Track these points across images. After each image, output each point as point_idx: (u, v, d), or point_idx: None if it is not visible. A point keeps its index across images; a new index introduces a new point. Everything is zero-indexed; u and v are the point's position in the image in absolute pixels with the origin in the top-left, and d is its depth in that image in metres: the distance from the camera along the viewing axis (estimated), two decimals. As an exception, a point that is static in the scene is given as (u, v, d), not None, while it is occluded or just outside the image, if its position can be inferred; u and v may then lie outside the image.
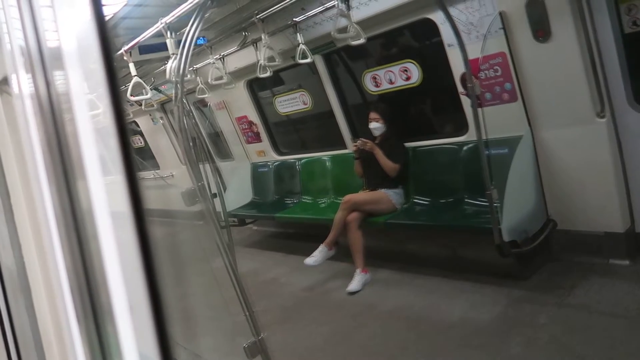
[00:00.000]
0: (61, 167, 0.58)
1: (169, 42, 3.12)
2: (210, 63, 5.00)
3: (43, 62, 0.56)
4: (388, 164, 4.14)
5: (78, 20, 0.49)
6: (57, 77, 0.55)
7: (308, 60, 4.12)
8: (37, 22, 0.56)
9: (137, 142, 8.71)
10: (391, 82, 4.36)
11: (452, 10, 3.35)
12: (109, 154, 0.49)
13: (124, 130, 0.46)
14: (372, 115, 4.26)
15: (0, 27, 0.68)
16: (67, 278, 0.66)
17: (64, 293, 0.68)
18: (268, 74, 4.44)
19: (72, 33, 0.51)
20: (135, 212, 0.47)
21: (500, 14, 3.25)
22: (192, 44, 2.38)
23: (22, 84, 0.65)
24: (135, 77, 3.87)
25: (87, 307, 0.61)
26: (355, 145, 4.27)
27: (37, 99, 0.59)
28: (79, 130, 0.53)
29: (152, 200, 8.04)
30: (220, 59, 5.05)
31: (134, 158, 0.48)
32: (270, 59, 4.28)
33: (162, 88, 6.32)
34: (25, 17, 0.57)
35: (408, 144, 4.34)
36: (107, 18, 0.45)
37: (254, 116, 5.92)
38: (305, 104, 5.40)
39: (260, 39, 4.27)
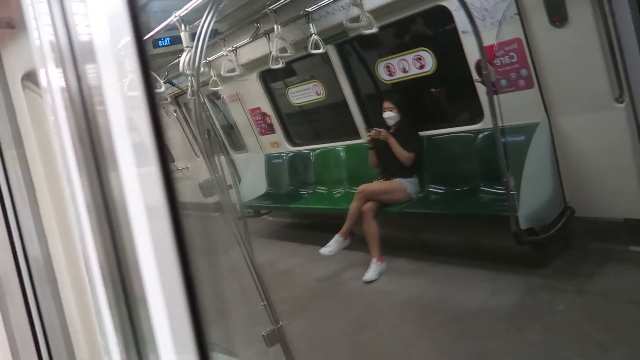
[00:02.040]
0: (93, 159, 0.60)
1: (183, 35, 3.13)
2: (223, 55, 5.01)
3: (74, 56, 0.57)
4: (402, 153, 4.13)
5: (110, 13, 0.50)
6: (89, 70, 0.56)
7: (321, 50, 4.10)
8: (67, 17, 0.57)
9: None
10: (405, 71, 4.33)
11: (466, -3, 3.31)
12: (142, 145, 0.50)
13: (158, 122, 0.47)
14: (386, 104, 4.24)
15: (29, 23, 0.69)
16: (99, 268, 0.68)
17: (96, 284, 0.70)
18: (280, 65, 4.44)
19: (103, 26, 0.52)
20: (170, 203, 0.48)
21: (516, -1, 3.21)
22: (207, 37, 2.39)
23: (52, 78, 0.66)
24: (149, 70, 3.89)
25: (120, 298, 0.63)
26: (370, 135, 4.27)
27: (67, 93, 0.60)
28: (111, 123, 0.54)
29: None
30: (232, 51, 5.06)
31: (167, 149, 0.49)
32: (283, 50, 4.28)
33: (175, 81, 6.36)
34: (55, 12, 0.58)
35: (422, 133, 4.32)
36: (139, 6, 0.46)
37: (267, 108, 5.93)
38: (318, 94, 5.40)
39: (272, 30, 4.26)
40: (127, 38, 0.46)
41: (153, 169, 0.49)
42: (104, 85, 0.54)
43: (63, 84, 0.61)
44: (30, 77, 1.22)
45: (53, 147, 1.15)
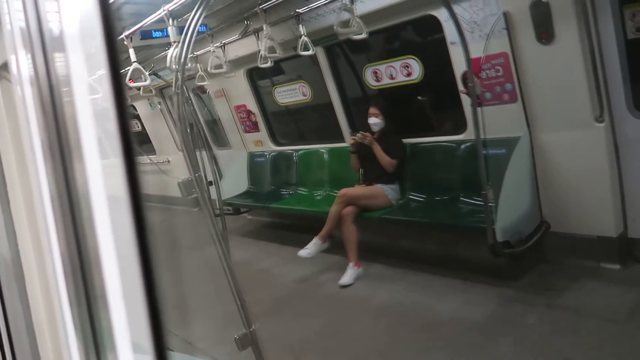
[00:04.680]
0: (59, 150, 0.58)
1: (171, 30, 3.09)
2: (210, 51, 4.97)
3: (43, 43, 0.55)
4: (385, 159, 4.14)
5: (81, 2, 0.48)
6: (58, 59, 0.55)
7: (310, 52, 4.09)
8: (38, 3, 0.55)
9: (134, 126, 8.66)
10: (392, 78, 4.35)
11: (456, 8, 3.34)
12: (108, 137, 0.48)
13: (124, 114, 0.46)
14: (372, 110, 4.24)
15: (1, 6, 0.67)
16: (61, 264, 0.66)
17: (58, 279, 0.68)
18: (268, 64, 4.41)
19: (74, 15, 0.50)
20: (133, 196, 0.47)
21: (505, 14, 3.24)
22: (195, 32, 2.36)
23: (22, 66, 0.64)
24: (135, 63, 3.83)
25: (81, 293, 0.61)
26: (353, 139, 4.27)
27: (36, 81, 0.59)
28: (78, 113, 0.52)
29: (147, 185, 8.02)
30: (220, 47, 5.02)
31: (133, 143, 0.47)
32: (271, 49, 4.26)
33: (161, 73, 6.28)
34: (26, -4, 0.56)
35: (406, 140, 4.34)
36: (110, 0, 0.45)
37: (252, 105, 5.90)
38: (304, 95, 5.39)
39: (262, 29, 4.24)
40: (96, 27, 0.44)
41: (117, 161, 0.47)
42: (72, 75, 0.52)
43: (32, 72, 0.59)
44: (6, 67, 1.18)
45: (26, 140, 1.12)
